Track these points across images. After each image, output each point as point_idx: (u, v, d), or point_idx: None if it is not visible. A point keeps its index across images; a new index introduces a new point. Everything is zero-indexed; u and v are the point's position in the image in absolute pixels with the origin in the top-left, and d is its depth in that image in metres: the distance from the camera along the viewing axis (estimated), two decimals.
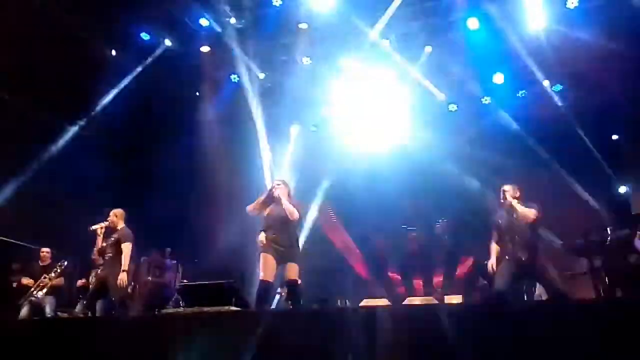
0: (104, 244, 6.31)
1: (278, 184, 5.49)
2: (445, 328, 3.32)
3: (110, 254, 6.21)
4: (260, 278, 5.10)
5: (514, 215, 5.16)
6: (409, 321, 3.57)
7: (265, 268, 5.09)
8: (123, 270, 6.01)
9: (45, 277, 7.38)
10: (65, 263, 7.47)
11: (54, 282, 7.38)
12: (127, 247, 6.16)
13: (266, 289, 5.10)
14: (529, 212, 5.12)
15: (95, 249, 6.39)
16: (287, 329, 3.73)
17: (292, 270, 5.16)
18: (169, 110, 11.10)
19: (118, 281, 5.96)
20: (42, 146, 8.88)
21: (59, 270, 7.41)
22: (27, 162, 8.55)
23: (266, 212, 5.40)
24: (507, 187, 5.31)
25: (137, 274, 7.22)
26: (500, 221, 5.28)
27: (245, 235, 11.82)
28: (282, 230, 5.25)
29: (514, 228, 5.13)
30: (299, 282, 5.30)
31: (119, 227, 6.36)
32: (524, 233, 5.09)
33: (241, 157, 12.36)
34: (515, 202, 5.15)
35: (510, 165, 10.28)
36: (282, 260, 5.18)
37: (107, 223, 6.36)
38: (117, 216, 6.41)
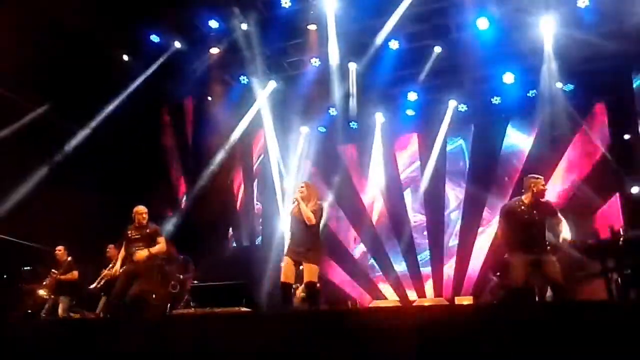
0: (133, 239, 6.29)
1: (302, 187, 5.51)
2: (455, 329, 3.31)
3: (141, 247, 6.20)
4: (281, 280, 5.30)
5: (535, 211, 5.11)
6: (418, 322, 3.55)
7: (284, 271, 5.29)
8: (149, 250, 6.15)
9: (53, 273, 7.39)
10: (69, 258, 7.50)
11: (64, 277, 7.35)
12: (163, 240, 6.36)
13: (285, 290, 5.30)
14: (554, 210, 5.18)
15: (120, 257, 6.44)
16: (296, 330, 3.73)
17: (309, 272, 5.21)
18: (177, 110, 11.18)
19: (137, 255, 6.08)
20: (54, 148, 8.97)
21: (67, 264, 7.40)
22: (38, 165, 8.63)
23: (291, 213, 5.52)
24: (543, 180, 5.21)
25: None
26: (518, 213, 5.15)
27: (252, 236, 11.94)
28: (300, 232, 5.33)
29: (534, 223, 5.07)
30: (317, 283, 5.32)
31: (145, 223, 6.35)
32: (542, 228, 5.08)
33: (250, 158, 12.43)
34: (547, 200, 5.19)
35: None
36: (301, 262, 5.26)
37: (137, 222, 6.32)
38: (145, 213, 6.39)
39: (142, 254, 6.08)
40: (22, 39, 7.90)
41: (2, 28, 7.58)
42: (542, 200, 5.18)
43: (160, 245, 6.29)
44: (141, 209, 6.38)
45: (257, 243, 11.79)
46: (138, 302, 6.04)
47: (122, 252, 6.39)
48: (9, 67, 7.75)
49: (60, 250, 7.58)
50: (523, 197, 5.20)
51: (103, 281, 7.41)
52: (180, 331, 4.11)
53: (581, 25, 8.70)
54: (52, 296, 7.34)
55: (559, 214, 5.23)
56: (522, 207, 5.15)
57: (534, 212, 5.10)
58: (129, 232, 6.30)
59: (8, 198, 8.13)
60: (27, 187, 8.36)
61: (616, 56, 9.13)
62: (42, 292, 7.34)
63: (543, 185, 5.15)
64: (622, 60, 9.31)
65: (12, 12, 7.84)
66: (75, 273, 7.45)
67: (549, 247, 5.10)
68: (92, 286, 7.48)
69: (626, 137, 9.72)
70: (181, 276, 8.06)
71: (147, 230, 6.32)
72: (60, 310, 7.25)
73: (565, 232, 5.12)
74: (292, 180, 11.32)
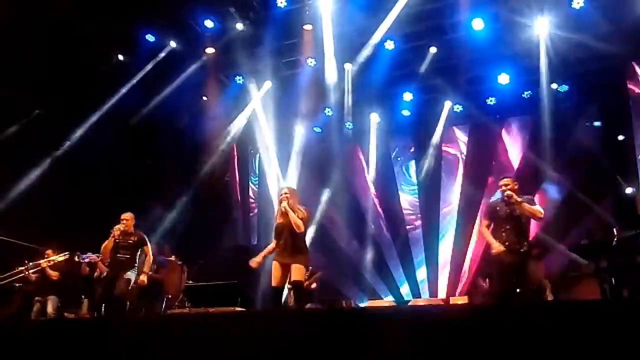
0: (120, 244, 6.39)
1: (286, 194, 5.58)
2: (449, 329, 3.32)
3: (127, 256, 6.36)
4: (272, 285, 5.45)
5: (515, 208, 5.11)
6: (413, 322, 3.56)
7: (274, 275, 5.41)
8: (144, 272, 6.41)
9: (35, 262, 7.33)
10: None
11: (50, 272, 7.31)
12: (149, 250, 6.52)
13: (275, 294, 5.49)
14: (537, 211, 5.12)
15: (104, 246, 6.43)
16: (291, 329, 3.73)
17: (296, 272, 5.34)
18: (173, 111, 11.15)
19: (139, 281, 6.34)
20: (50, 148, 8.94)
21: (51, 257, 7.37)
22: (34, 165, 8.60)
23: (277, 220, 5.61)
24: (507, 181, 5.24)
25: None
26: (498, 208, 5.21)
27: (248, 236, 11.93)
28: (288, 237, 5.44)
29: (514, 220, 5.10)
30: (306, 283, 5.41)
31: (133, 231, 6.49)
32: (523, 226, 5.11)
33: (246, 158, 12.42)
34: (520, 199, 5.10)
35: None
36: (289, 263, 5.39)
37: (123, 226, 6.41)
38: (132, 220, 6.53)
39: (143, 279, 6.37)
40: (15, 38, 7.87)
41: None
42: (513, 198, 5.13)
43: (149, 259, 6.49)
44: (125, 215, 6.48)
45: (253, 242, 11.78)
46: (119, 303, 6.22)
47: (108, 245, 6.40)
48: (4, 67, 7.74)
49: (49, 254, 7.53)
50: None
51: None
52: (174, 331, 4.11)
53: (576, 27, 8.74)
54: (41, 297, 7.28)
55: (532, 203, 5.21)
56: (497, 202, 5.29)
57: (510, 209, 5.14)
58: (117, 236, 6.38)
59: (2, 197, 8.10)
60: (22, 187, 8.32)
61: (610, 57, 9.19)
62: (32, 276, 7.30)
63: (505, 185, 5.20)
64: (616, 61, 9.36)
65: (9, 12, 7.82)
66: (57, 274, 7.38)
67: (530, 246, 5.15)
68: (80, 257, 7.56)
69: (620, 138, 9.77)
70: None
71: (134, 239, 6.44)
72: (50, 309, 7.20)
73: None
74: (287, 180, 11.31)
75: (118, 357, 4.00)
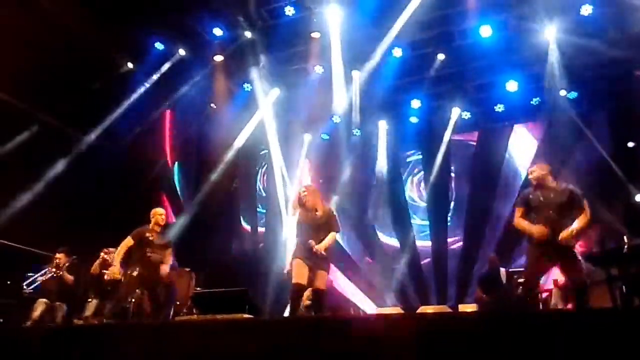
0: (154, 242, 6.19)
1: (303, 192, 5.39)
2: (458, 337, 3.29)
3: (158, 254, 6.18)
4: (293, 282, 5.10)
5: (550, 195, 4.88)
6: (422, 330, 3.54)
7: (297, 272, 5.08)
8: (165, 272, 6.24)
9: (51, 272, 7.26)
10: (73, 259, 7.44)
11: (66, 277, 7.22)
12: (171, 254, 6.37)
13: (298, 293, 5.14)
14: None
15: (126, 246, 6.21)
16: (299, 337, 3.72)
17: (321, 279, 5.13)
18: (180, 117, 11.23)
19: (161, 272, 6.15)
20: (58, 156, 9.01)
21: (70, 265, 7.31)
22: (42, 172, 8.66)
23: (300, 219, 5.34)
24: (532, 169, 5.03)
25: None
26: (531, 197, 4.94)
27: (256, 243, 11.94)
28: (316, 238, 5.23)
29: (549, 208, 4.84)
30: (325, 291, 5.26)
31: (164, 226, 6.37)
32: (558, 214, 4.82)
33: (253, 164, 12.45)
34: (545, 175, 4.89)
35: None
36: (313, 267, 5.15)
37: (162, 221, 6.30)
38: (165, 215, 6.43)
39: (165, 269, 6.17)
40: (27, 46, 7.96)
41: (8, 35, 7.64)
42: (546, 185, 4.91)
43: (170, 259, 6.34)
44: (161, 210, 6.35)
45: (260, 249, 11.79)
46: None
47: (128, 242, 6.14)
48: (14, 75, 7.82)
49: (60, 257, 7.46)
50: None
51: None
52: (182, 337, 4.11)
53: (584, 33, 8.71)
54: (49, 301, 7.24)
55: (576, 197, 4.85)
56: (531, 191, 5.04)
57: (545, 196, 4.89)
58: (147, 233, 6.15)
59: (12, 204, 8.14)
60: (31, 194, 8.37)
61: (620, 63, 9.15)
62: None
63: (530, 172, 5.03)
64: (625, 67, 9.31)
65: (19, 20, 7.91)
66: (72, 278, 7.28)
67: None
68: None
69: (630, 144, 9.71)
70: None
71: (165, 240, 6.29)
72: (59, 317, 7.18)
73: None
74: (294, 187, 11.32)
75: None
